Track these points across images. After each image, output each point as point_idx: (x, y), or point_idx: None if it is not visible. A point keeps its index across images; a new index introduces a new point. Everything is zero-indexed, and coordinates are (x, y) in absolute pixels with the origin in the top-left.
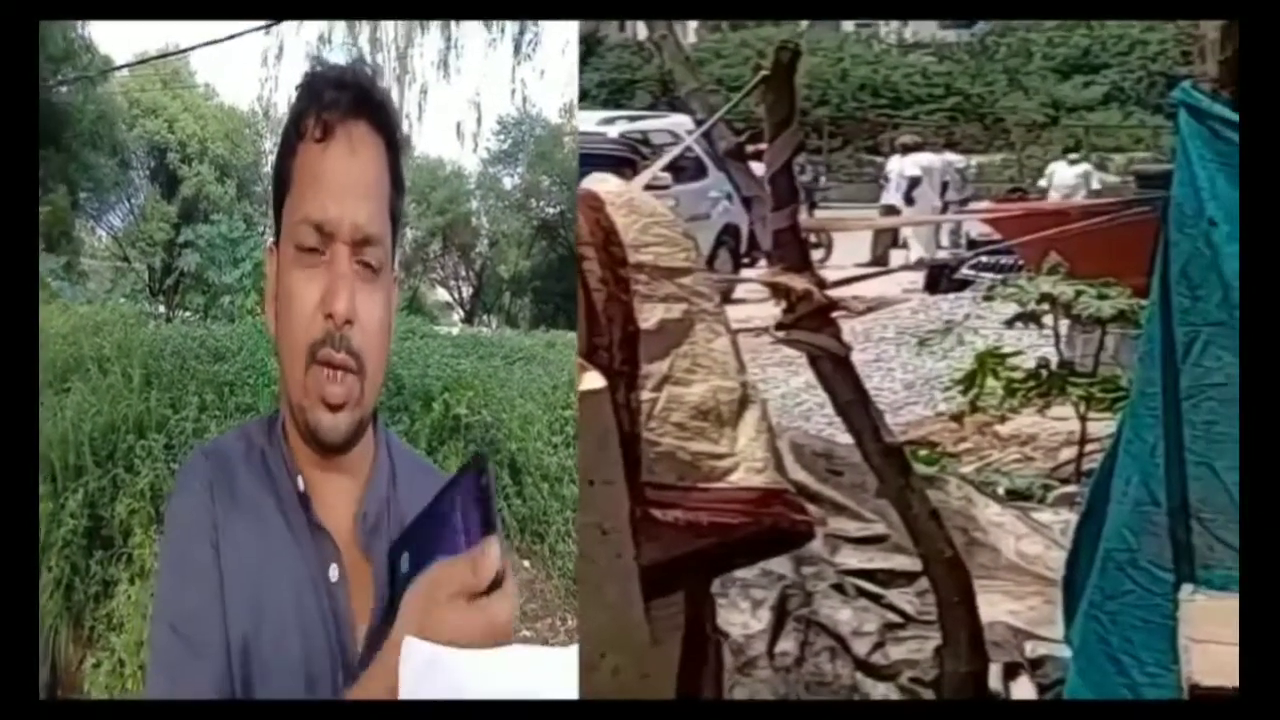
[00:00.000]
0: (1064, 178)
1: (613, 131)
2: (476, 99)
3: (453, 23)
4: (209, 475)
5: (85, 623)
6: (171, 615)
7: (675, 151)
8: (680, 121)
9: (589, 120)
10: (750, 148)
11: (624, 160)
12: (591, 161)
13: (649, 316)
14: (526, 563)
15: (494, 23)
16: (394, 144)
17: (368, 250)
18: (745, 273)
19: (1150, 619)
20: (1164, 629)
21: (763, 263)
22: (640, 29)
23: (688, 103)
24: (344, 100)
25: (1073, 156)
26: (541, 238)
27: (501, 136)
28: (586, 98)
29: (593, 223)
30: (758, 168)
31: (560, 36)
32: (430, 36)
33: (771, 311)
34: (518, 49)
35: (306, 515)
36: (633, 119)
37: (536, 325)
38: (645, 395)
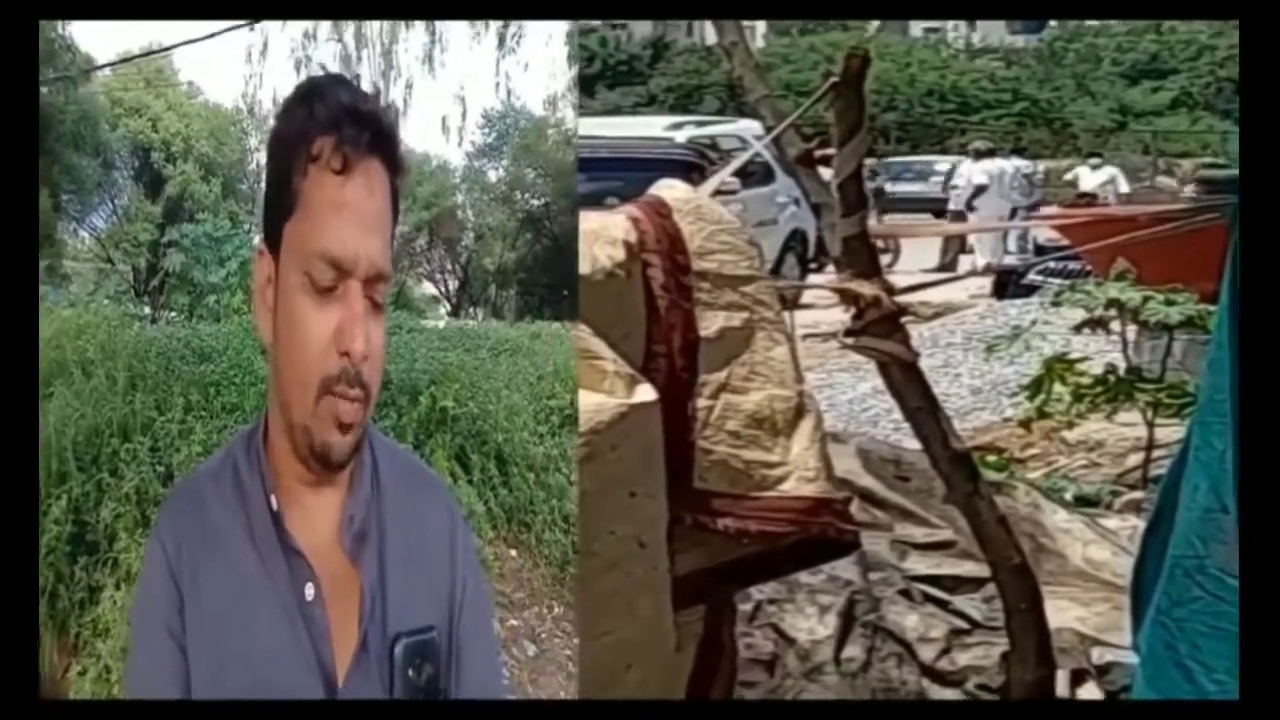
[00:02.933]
0: (1086, 184)
1: (680, 137)
2: (461, 93)
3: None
4: (175, 530)
5: (70, 629)
6: (134, 686)
7: (744, 157)
8: (748, 126)
9: (656, 125)
10: (818, 153)
11: (692, 165)
12: (659, 167)
13: (710, 324)
14: (514, 552)
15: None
16: (398, 178)
17: (378, 287)
18: (813, 278)
19: (1218, 626)
20: (1232, 636)
21: (830, 268)
22: (709, 34)
23: (757, 109)
24: (364, 139)
25: (1094, 161)
26: (526, 230)
27: (486, 130)
28: (654, 102)
29: (659, 229)
30: (825, 173)
31: (544, 30)
32: (415, 32)
33: (839, 316)
34: (502, 42)
35: (279, 537)
36: (700, 124)
37: (522, 317)
38: (702, 403)
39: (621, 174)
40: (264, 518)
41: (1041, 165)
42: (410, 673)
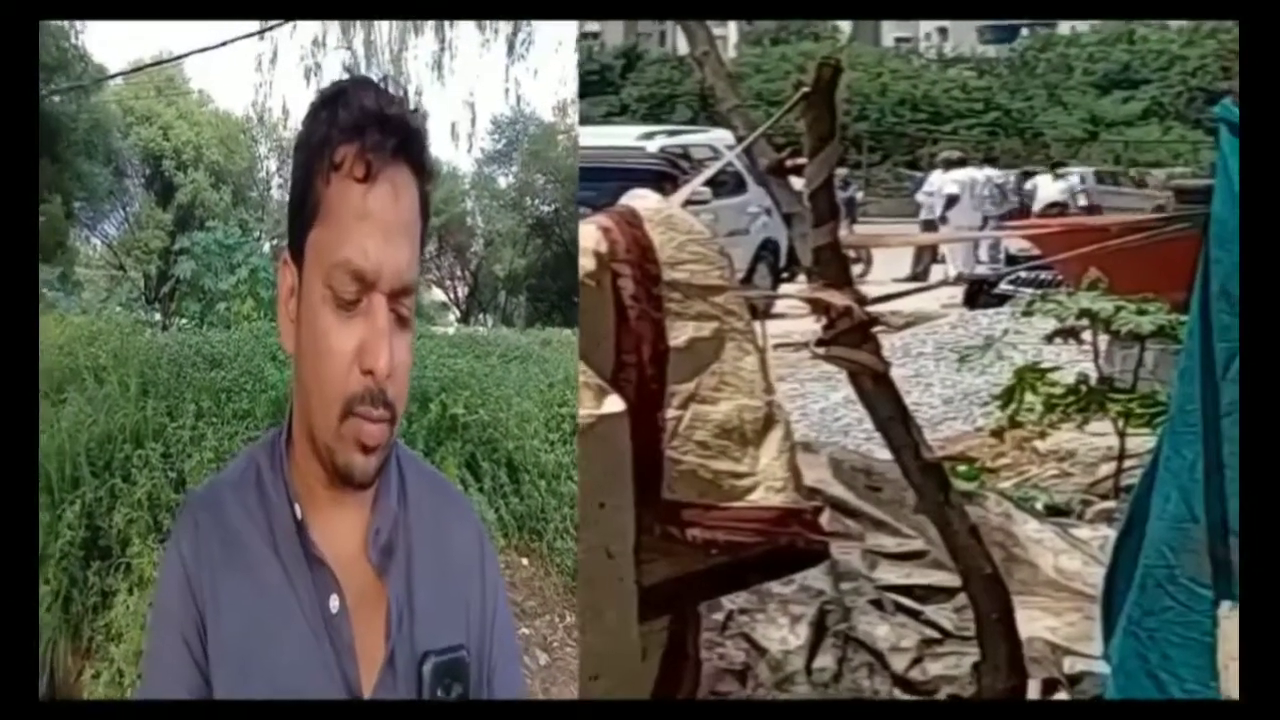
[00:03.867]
0: (1048, 192)
1: (652, 146)
2: (471, 99)
3: (446, 24)
4: (193, 539)
5: (84, 634)
6: (147, 694)
7: (716, 167)
8: (720, 136)
9: (628, 135)
10: (789, 163)
11: (664, 175)
12: (631, 176)
13: (680, 334)
14: (525, 560)
15: (488, 23)
16: (428, 184)
17: (404, 301)
18: (785, 288)
19: (1189, 636)
20: (1203, 646)
21: (801, 278)
22: (681, 44)
23: (729, 118)
24: (389, 145)
25: (1060, 170)
26: (536, 236)
27: (496, 136)
28: (626, 111)
29: (630, 239)
30: (797, 183)
31: (554, 35)
32: (424, 38)
33: (811, 326)
34: (511, 48)
35: (303, 547)
36: (672, 134)
37: (532, 323)
38: (671, 413)
39: (594, 184)
40: (288, 526)
41: (1013, 175)
42: (439, 692)
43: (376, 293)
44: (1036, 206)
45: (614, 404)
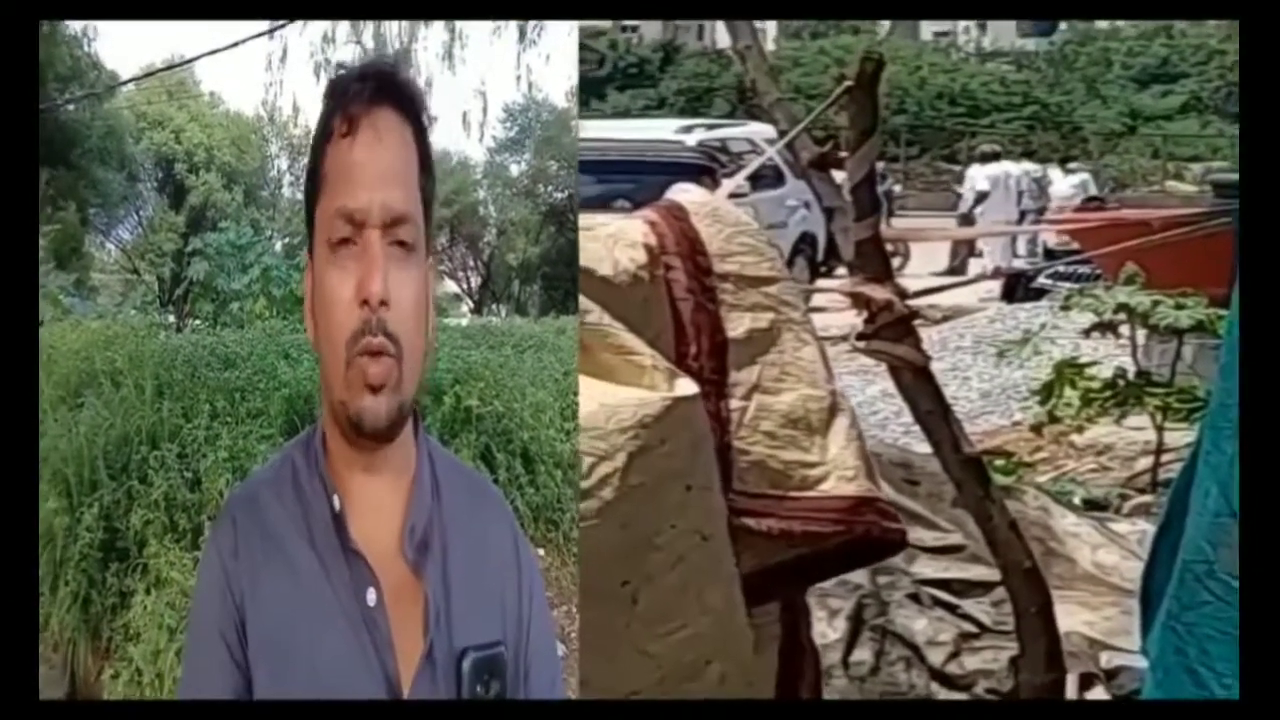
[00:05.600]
0: (1060, 189)
1: (691, 139)
2: (482, 88)
3: None
4: (233, 539)
5: (103, 634)
6: (189, 693)
7: (759, 160)
8: (758, 130)
9: (666, 128)
10: (832, 156)
11: (703, 169)
12: (670, 170)
13: (736, 326)
14: (541, 551)
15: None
16: (421, 127)
17: (400, 229)
18: (825, 282)
19: (1227, 630)
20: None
21: (840, 271)
22: (720, 37)
23: (770, 112)
24: (366, 90)
25: (1071, 165)
26: (550, 223)
27: (508, 124)
28: (664, 105)
29: (677, 233)
30: (838, 177)
31: (565, 21)
32: (434, 29)
33: (849, 320)
34: (522, 35)
35: (340, 539)
36: (710, 127)
37: (546, 312)
38: (734, 404)
39: (632, 177)
40: (324, 519)
41: (1051, 170)
42: (479, 688)
43: (368, 228)
44: (1053, 203)
45: (687, 386)
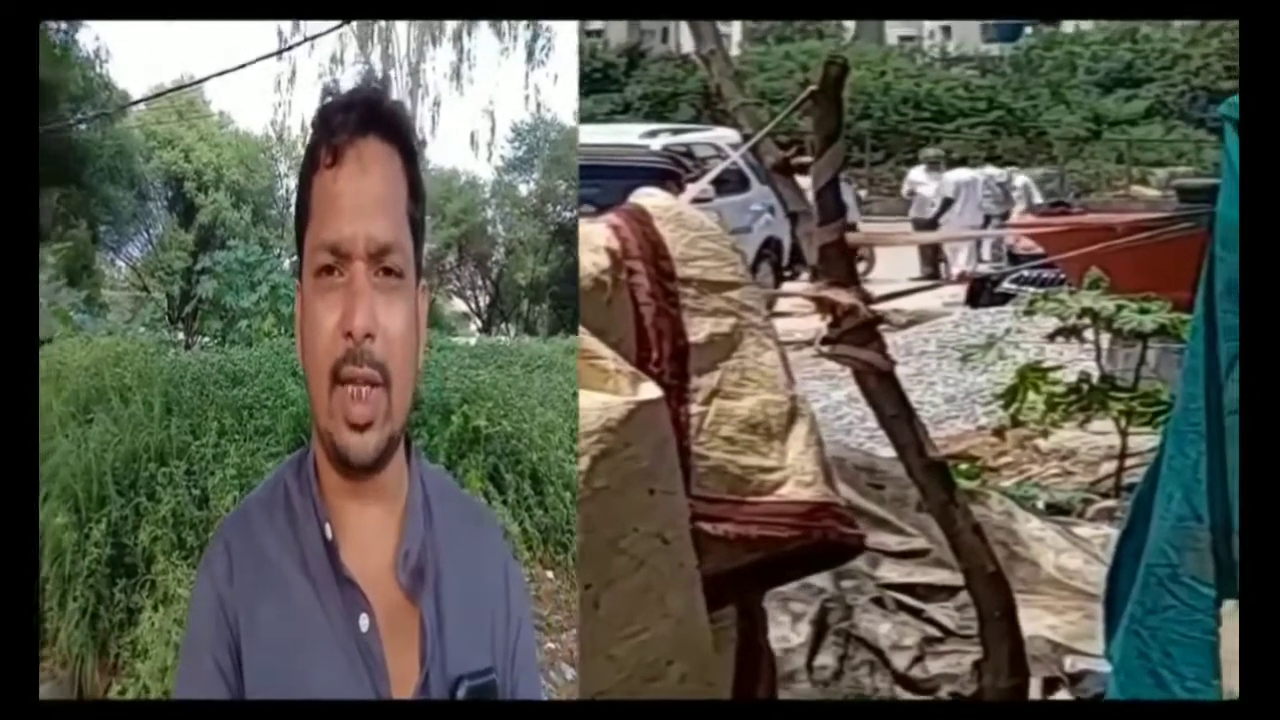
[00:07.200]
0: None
1: (656, 144)
2: (490, 108)
3: (465, 34)
4: (226, 562)
5: (110, 650)
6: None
7: (723, 165)
8: (723, 135)
9: (631, 133)
10: (795, 161)
11: (667, 173)
12: (634, 174)
13: (698, 330)
14: (550, 573)
15: (506, 31)
16: (408, 152)
17: (388, 257)
18: (790, 286)
19: (1191, 634)
20: (1205, 644)
21: (805, 276)
22: (684, 42)
23: (735, 116)
24: (351, 120)
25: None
26: (558, 242)
27: (516, 144)
28: (629, 110)
29: (640, 237)
30: (802, 181)
31: (573, 40)
32: (442, 49)
33: (814, 325)
34: (530, 55)
35: (333, 566)
36: (675, 132)
37: (555, 332)
38: (694, 409)
39: (596, 181)
40: (317, 546)
41: (1016, 175)
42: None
43: (354, 260)
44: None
45: (651, 390)
